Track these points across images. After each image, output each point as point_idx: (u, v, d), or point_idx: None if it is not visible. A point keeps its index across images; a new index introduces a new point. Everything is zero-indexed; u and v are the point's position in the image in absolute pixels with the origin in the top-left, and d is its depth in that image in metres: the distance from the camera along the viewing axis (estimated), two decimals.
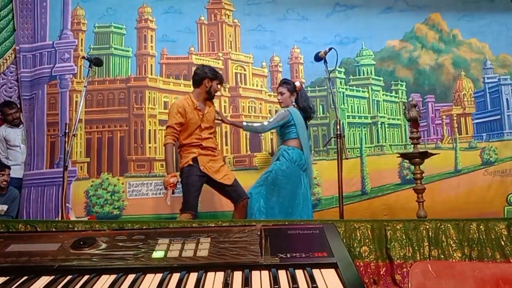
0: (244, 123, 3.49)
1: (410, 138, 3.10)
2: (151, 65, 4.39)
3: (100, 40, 4.41)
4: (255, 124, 3.47)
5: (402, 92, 4.60)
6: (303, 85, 3.46)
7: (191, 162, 2.98)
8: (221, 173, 3.05)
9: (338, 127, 2.66)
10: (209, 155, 3.06)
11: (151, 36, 4.43)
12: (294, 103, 3.37)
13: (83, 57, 3.41)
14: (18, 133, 4.09)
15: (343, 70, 4.58)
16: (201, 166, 2.98)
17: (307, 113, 3.37)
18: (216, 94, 3.19)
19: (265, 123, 3.37)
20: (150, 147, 4.22)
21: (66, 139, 2.77)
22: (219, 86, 3.16)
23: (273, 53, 4.57)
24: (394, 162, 4.31)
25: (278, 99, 3.44)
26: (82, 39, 4.38)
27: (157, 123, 4.27)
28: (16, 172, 3.98)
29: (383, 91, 4.64)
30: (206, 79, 3.06)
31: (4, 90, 4.24)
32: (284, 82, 3.45)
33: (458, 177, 4.35)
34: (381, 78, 4.64)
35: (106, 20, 4.40)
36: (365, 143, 4.46)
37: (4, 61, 4.22)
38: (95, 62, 3.11)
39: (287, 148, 3.22)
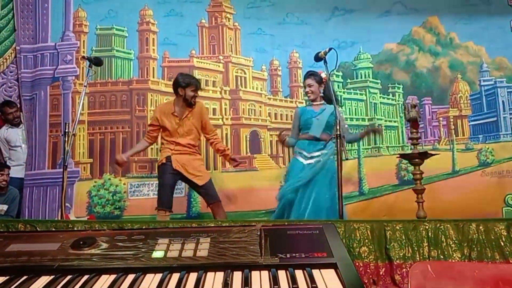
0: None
1: (409, 138, 3.11)
2: (153, 68, 4.42)
3: (102, 42, 4.43)
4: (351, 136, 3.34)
5: (399, 94, 4.62)
6: (327, 77, 3.31)
7: (164, 161, 3.10)
8: (195, 172, 3.12)
9: (337, 128, 2.66)
10: (185, 153, 3.13)
11: (153, 39, 4.46)
12: (322, 95, 3.24)
13: (83, 57, 3.44)
14: (19, 133, 4.10)
15: (340, 73, 4.61)
16: (174, 164, 3.07)
17: (337, 102, 3.23)
18: (194, 99, 3.18)
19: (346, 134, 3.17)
20: (151, 149, 4.24)
21: (66, 139, 2.77)
22: (194, 92, 3.15)
23: (273, 57, 4.59)
24: (391, 163, 4.33)
25: (306, 92, 3.31)
26: (84, 41, 4.40)
27: None
28: (18, 172, 3.98)
29: (380, 93, 4.66)
30: (178, 88, 3.15)
31: (4, 90, 4.24)
32: (311, 74, 3.31)
33: (456, 178, 4.38)
34: (379, 81, 4.67)
35: (107, 22, 4.42)
36: (363, 145, 4.47)
37: (4, 60, 4.23)
38: (95, 61, 3.12)
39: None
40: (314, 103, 3.32)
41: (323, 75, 3.25)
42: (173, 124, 3.14)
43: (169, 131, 3.15)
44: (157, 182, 3.22)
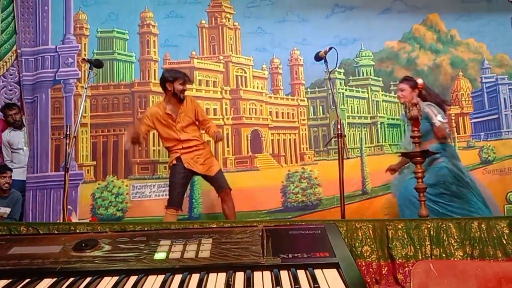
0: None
1: (411, 137, 3.10)
2: (154, 70, 4.43)
3: (103, 45, 4.45)
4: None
5: None
6: (424, 84, 3.32)
7: (175, 162, 3.16)
8: (205, 166, 3.21)
9: (339, 127, 2.66)
10: (193, 151, 3.20)
11: (154, 41, 4.47)
12: (417, 100, 3.17)
13: (84, 59, 3.46)
14: (21, 136, 4.12)
15: (342, 71, 4.60)
16: (185, 163, 3.14)
17: (438, 105, 3.21)
18: (183, 93, 3.20)
19: (440, 119, 3.10)
20: (154, 150, 4.27)
21: (68, 141, 2.78)
22: (183, 85, 3.18)
23: (273, 55, 4.58)
24: (394, 161, 4.30)
25: (398, 95, 3.38)
26: (85, 43, 4.42)
27: None
28: (20, 174, 4.00)
29: (382, 91, 4.65)
30: (166, 83, 3.17)
31: (4, 93, 4.26)
32: (405, 79, 3.38)
33: None
34: (380, 79, 4.65)
35: (108, 25, 4.43)
36: (365, 143, 4.46)
37: (4, 63, 4.24)
38: (96, 63, 3.13)
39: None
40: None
41: (420, 81, 3.29)
42: (170, 122, 3.17)
43: (168, 131, 3.18)
44: (167, 182, 3.29)
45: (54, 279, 0.89)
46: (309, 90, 4.54)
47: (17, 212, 3.79)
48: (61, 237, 1.09)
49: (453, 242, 1.46)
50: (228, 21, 4.62)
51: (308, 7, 4.54)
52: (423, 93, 3.26)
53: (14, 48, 4.29)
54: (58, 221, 3.77)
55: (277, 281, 0.83)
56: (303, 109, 4.54)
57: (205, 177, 3.29)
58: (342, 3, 4.58)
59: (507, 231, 1.47)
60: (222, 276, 0.87)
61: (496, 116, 4.52)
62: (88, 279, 0.88)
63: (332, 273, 0.87)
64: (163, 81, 3.19)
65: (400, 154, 3.44)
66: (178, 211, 3.12)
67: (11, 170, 3.80)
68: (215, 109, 4.44)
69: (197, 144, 3.25)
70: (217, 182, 3.23)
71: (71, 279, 0.88)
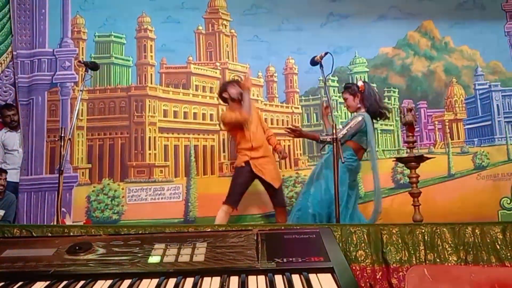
0: (321, 137, 3.23)
1: (405, 142, 3.13)
2: (151, 74, 4.44)
3: (101, 49, 4.45)
4: (329, 138, 3.09)
5: (394, 98, 4.65)
6: (365, 85, 3.29)
7: (243, 164, 3.31)
8: (271, 175, 3.35)
9: (334, 131, 2.68)
10: (261, 157, 3.35)
11: (151, 45, 4.49)
12: (360, 105, 3.27)
13: (79, 61, 3.48)
14: (16, 137, 4.09)
15: (336, 78, 4.63)
16: (254, 168, 3.29)
17: (375, 112, 3.24)
18: (241, 95, 3.35)
19: (340, 134, 3.06)
20: (150, 154, 4.26)
21: (62, 143, 2.76)
22: (235, 88, 3.39)
23: (269, 63, 4.61)
24: (387, 166, 4.33)
25: (345, 106, 3.48)
26: (83, 47, 4.43)
27: (157, 130, 4.31)
28: (14, 176, 3.97)
29: None
30: (223, 94, 3.44)
31: None
32: (346, 87, 3.39)
33: (451, 182, 4.39)
34: (374, 85, 4.67)
35: (106, 29, 4.44)
36: None
37: None
38: (92, 66, 3.12)
39: (344, 147, 3.08)
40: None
41: (360, 83, 3.31)
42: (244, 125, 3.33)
43: (239, 138, 3.36)
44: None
45: (47, 283, 0.88)
46: (303, 98, 4.58)
47: (11, 214, 3.75)
48: (54, 240, 1.08)
49: (447, 247, 1.46)
50: (225, 28, 4.65)
51: (303, 16, 4.57)
52: (363, 96, 3.25)
53: (10, 49, 4.26)
54: (52, 223, 3.74)
55: (271, 285, 0.83)
56: (297, 116, 4.58)
57: (268, 186, 3.37)
58: (337, 12, 4.61)
59: (501, 237, 1.48)
60: (216, 280, 0.87)
61: (489, 122, 4.56)
62: (82, 282, 0.88)
63: (326, 278, 0.87)
64: (220, 94, 3.49)
65: (394, 159, 3.46)
66: (233, 209, 3.25)
67: (6, 172, 3.77)
68: (211, 115, 4.46)
69: (264, 155, 3.38)
70: (279, 197, 3.41)
71: (64, 283, 0.88)
